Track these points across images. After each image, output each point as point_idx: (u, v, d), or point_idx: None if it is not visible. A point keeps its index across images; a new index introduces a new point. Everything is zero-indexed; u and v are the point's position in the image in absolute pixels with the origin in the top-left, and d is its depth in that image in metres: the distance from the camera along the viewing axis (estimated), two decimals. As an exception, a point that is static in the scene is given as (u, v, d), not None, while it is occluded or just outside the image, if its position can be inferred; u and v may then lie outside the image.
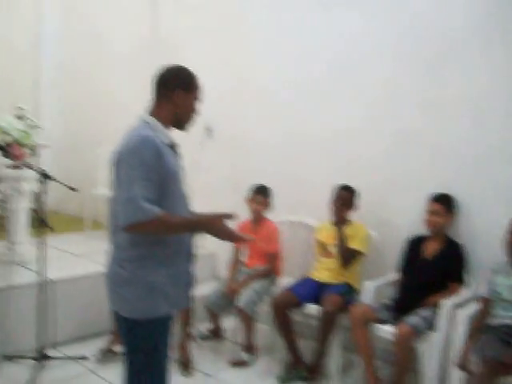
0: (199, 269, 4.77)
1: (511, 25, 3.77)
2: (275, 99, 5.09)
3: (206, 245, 5.29)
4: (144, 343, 2.46)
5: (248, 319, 4.29)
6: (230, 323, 4.78)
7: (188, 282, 2.60)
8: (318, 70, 4.77)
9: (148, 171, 2.30)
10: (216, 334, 4.79)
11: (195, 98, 2.60)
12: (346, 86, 4.60)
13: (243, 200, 4.64)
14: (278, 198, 4.66)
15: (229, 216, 2.41)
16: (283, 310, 4.06)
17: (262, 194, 4.54)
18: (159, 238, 2.40)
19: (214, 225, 2.40)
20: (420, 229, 4.02)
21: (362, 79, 4.50)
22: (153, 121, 2.48)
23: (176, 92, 2.51)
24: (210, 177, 5.36)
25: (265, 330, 4.59)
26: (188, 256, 2.57)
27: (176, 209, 2.42)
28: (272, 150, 5.12)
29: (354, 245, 4.18)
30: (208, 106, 5.30)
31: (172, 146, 2.51)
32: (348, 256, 4.17)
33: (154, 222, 2.28)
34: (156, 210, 2.28)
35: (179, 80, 2.54)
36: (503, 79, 3.81)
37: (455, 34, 4.00)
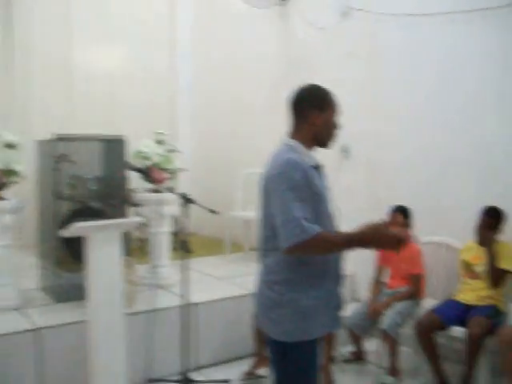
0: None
1: None
2: (412, 117, 5.07)
3: (345, 266, 5.33)
4: (295, 366, 2.51)
5: (392, 342, 4.27)
6: (372, 346, 4.76)
7: (337, 303, 2.64)
8: (458, 92, 4.71)
9: (300, 192, 2.35)
10: (358, 356, 4.78)
11: (332, 115, 2.60)
12: (492, 98, 4.50)
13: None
14: (420, 219, 4.61)
15: (382, 224, 2.41)
16: (428, 333, 4.04)
17: (401, 214, 4.51)
18: (308, 259, 2.45)
19: (375, 234, 2.39)
20: None
21: (507, 89, 4.39)
22: (295, 143, 2.52)
23: (311, 112, 2.54)
24: (347, 198, 5.39)
25: (408, 353, 4.53)
26: (336, 277, 2.60)
27: (325, 229, 2.43)
28: (412, 168, 5.08)
29: (502, 264, 4.07)
30: (344, 126, 5.44)
31: (317, 167, 2.55)
32: (497, 276, 4.07)
33: (316, 240, 2.31)
34: (316, 228, 2.33)
35: (313, 99, 2.55)
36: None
37: None
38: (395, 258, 4.52)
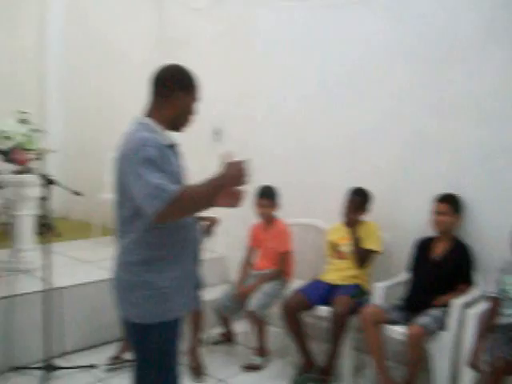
0: (209, 273, 4.83)
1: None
2: (286, 102, 5.08)
3: (216, 248, 5.32)
4: (154, 348, 2.46)
5: (259, 322, 4.30)
6: (241, 327, 4.78)
7: (196, 283, 2.62)
8: (330, 76, 4.76)
9: (156, 166, 2.27)
10: (227, 338, 4.79)
11: (194, 99, 2.54)
12: (358, 91, 4.59)
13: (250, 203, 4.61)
14: (288, 201, 4.65)
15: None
16: (294, 313, 4.08)
17: (266, 196, 4.50)
18: (165, 239, 2.40)
19: (230, 170, 2.35)
20: (430, 230, 4.03)
21: (375, 83, 4.49)
22: (150, 122, 2.44)
23: (176, 93, 2.47)
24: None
25: (277, 333, 4.59)
26: (194, 257, 2.57)
27: None
28: (283, 153, 5.11)
29: (367, 244, 4.20)
30: (217, 110, 5.42)
31: (172, 147, 2.48)
32: (363, 256, 4.19)
33: (181, 196, 2.22)
34: (177, 188, 2.25)
35: (179, 80, 2.49)
36: (509, 79, 3.82)
37: (461, 33, 4.02)
38: (264, 238, 4.55)
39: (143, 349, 2.48)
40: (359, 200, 4.25)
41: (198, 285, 2.64)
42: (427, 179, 4.21)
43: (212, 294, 4.54)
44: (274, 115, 5.16)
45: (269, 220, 4.56)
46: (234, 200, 2.48)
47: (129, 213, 2.40)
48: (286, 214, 4.66)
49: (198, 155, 5.47)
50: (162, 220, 2.27)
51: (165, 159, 2.34)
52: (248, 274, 4.61)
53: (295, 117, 5.00)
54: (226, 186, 2.38)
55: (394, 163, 4.41)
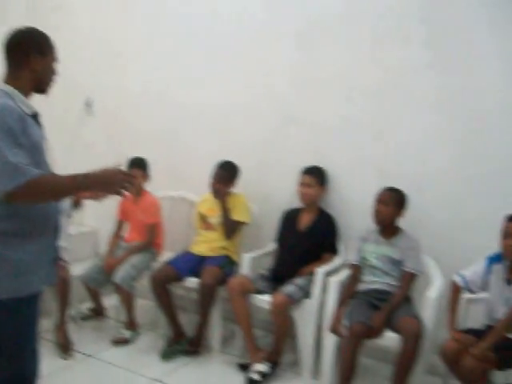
0: (79, 246, 4.75)
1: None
2: (158, 75, 4.96)
3: (86, 221, 5.18)
4: (10, 325, 2.35)
5: (127, 295, 4.23)
6: (112, 301, 4.69)
7: (54, 257, 2.52)
8: (201, 52, 4.69)
9: (16, 138, 2.16)
10: (97, 312, 4.70)
11: (53, 60, 2.46)
12: (229, 67, 4.55)
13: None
14: (158, 173, 4.60)
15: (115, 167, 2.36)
16: (163, 285, 4.05)
17: (137, 167, 4.42)
18: (23, 211, 2.28)
19: (104, 174, 2.31)
20: (297, 202, 4.12)
21: (245, 60, 4.48)
22: (10, 89, 2.32)
23: (32, 57, 2.36)
24: (90, 153, 5.20)
25: (147, 306, 4.56)
26: (54, 229, 2.48)
27: None
28: (153, 123, 5.02)
29: (236, 216, 4.22)
30: (87, 80, 5.25)
31: (34, 116, 2.38)
32: (231, 227, 4.21)
33: (39, 181, 2.15)
34: (38, 171, 2.16)
35: (33, 43, 2.38)
36: (368, 60, 3.96)
37: (323, 11, 4.10)
38: (133, 210, 4.48)
39: None
40: (226, 173, 4.25)
41: (56, 258, 2.54)
42: (294, 153, 4.29)
43: (82, 268, 4.44)
44: (146, 88, 5.04)
45: (138, 192, 4.48)
46: (96, 197, 2.43)
47: None
48: (157, 186, 4.62)
49: (68, 127, 5.34)
50: (10, 200, 2.18)
51: (26, 130, 2.23)
52: (117, 246, 4.53)
53: (167, 90, 4.91)
54: (95, 189, 2.39)
55: (263, 138, 4.45)
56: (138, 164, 4.44)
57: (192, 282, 4.10)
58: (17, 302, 2.33)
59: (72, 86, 4.99)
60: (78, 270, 4.38)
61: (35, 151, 2.27)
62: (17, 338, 2.38)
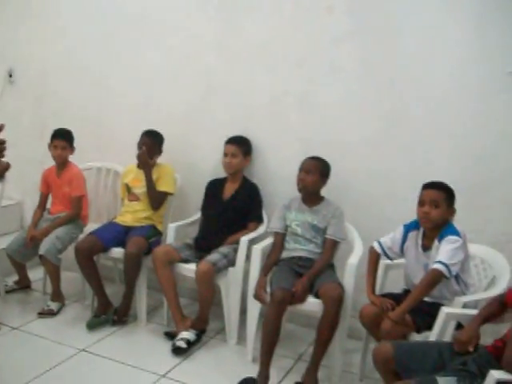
0: (4, 220, 4.64)
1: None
2: (82, 46, 4.86)
3: (10, 194, 5.07)
4: None
5: (52, 267, 4.18)
6: (39, 273, 4.65)
7: None
8: (124, 19, 4.62)
9: None
10: (23, 285, 4.64)
11: None
12: (151, 34, 4.51)
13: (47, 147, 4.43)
14: (83, 144, 4.53)
15: None
16: (88, 256, 4.01)
17: (61, 138, 4.34)
18: None
19: None
20: (222, 172, 4.14)
21: (165, 26, 4.45)
22: None
23: None
24: (13, 124, 5.03)
25: (74, 278, 4.52)
26: None
27: None
28: (78, 93, 4.93)
29: (161, 186, 4.22)
30: (8, 49, 5.10)
31: None
32: (157, 198, 4.20)
33: None
34: None
35: None
36: (290, 29, 3.98)
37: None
38: (56, 183, 4.41)
39: None
40: (151, 139, 4.23)
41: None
42: (219, 123, 4.31)
43: (7, 242, 4.37)
44: (69, 58, 4.93)
45: (62, 164, 4.41)
46: None
47: None
48: (81, 158, 4.55)
49: None
50: None
51: None
52: (41, 219, 4.45)
53: (91, 60, 4.82)
54: None
55: (187, 107, 4.44)
56: (62, 135, 4.36)
57: (117, 252, 4.08)
58: None
59: None
60: (3, 243, 4.32)
61: None
62: None
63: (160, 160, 4.31)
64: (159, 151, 4.29)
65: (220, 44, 4.23)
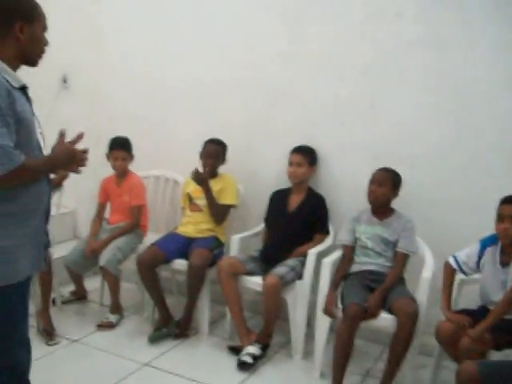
0: (59, 228, 4.62)
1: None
2: (139, 50, 4.80)
3: (66, 203, 5.04)
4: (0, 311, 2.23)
5: (112, 278, 4.13)
6: (94, 284, 4.61)
7: (44, 242, 2.40)
8: (183, 23, 4.55)
9: (2, 115, 2.02)
10: (80, 296, 4.59)
11: (40, 28, 2.28)
12: (212, 36, 4.43)
13: (104, 153, 4.37)
14: (141, 152, 4.44)
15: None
16: (150, 268, 3.95)
17: (121, 148, 4.28)
18: (14, 193, 2.16)
19: (60, 154, 2.27)
20: (286, 182, 4.05)
21: (228, 29, 4.36)
22: None
23: (17, 25, 2.18)
24: (67, 131, 5.02)
25: (133, 289, 4.47)
26: (44, 213, 2.36)
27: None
28: (135, 100, 4.86)
29: (225, 199, 4.14)
30: (64, 55, 5.04)
31: (23, 89, 2.23)
32: (220, 213, 4.13)
33: (22, 169, 2.05)
34: (22, 156, 2.06)
35: (18, 10, 2.20)
36: (359, 35, 3.88)
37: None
38: (116, 192, 4.37)
39: None
40: (215, 149, 4.16)
41: (46, 243, 2.43)
42: (283, 131, 4.21)
43: (62, 250, 4.34)
44: (125, 63, 4.88)
45: (122, 173, 4.36)
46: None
47: None
48: (138, 166, 4.47)
49: (43, 103, 5.12)
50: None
51: (14, 105, 2.09)
52: (100, 229, 4.40)
53: (149, 66, 4.76)
54: (59, 168, 2.38)
55: (250, 116, 4.35)
56: (121, 144, 4.30)
57: (180, 264, 4.02)
58: (5, 289, 2.20)
59: (47, 60, 4.80)
60: (57, 252, 4.26)
61: (24, 129, 2.15)
62: (5, 328, 2.26)
63: (222, 169, 4.24)
64: (223, 160, 4.21)
65: (285, 51, 4.14)
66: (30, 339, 2.42)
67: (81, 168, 2.34)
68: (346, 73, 3.94)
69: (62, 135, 2.32)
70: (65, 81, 5.22)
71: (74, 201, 5.23)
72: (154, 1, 4.67)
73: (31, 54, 2.27)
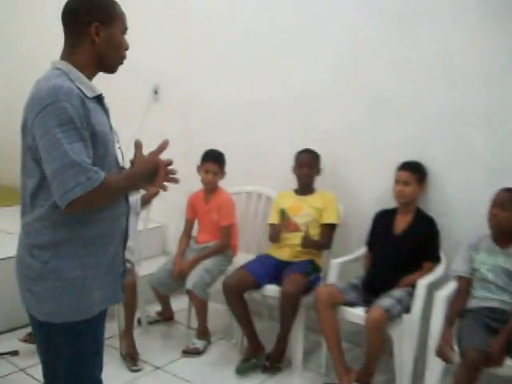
0: (146, 244, 4.39)
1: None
2: (232, 59, 4.54)
3: (153, 217, 4.82)
4: (68, 351, 1.98)
5: (199, 302, 3.84)
6: (182, 304, 4.33)
7: (121, 271, 2.13)
8: (280, 30, 4.23)
9: (77, 128, 1.77)
10: (165, 316, 4.36)
11: (119, 29, 2.00)
12: (309, 43, 4.08)
13: (195, 168, 4.11)
14: (232, 167, 4.14)
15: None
16: (238, 293, 3.63)
17: (214, 161, 3.99)
18: (83, 217, 1.89)
19: (144, 167, 1.96)
20: (390, 202, 3.63)
21: (326, 34, 4.00)
22: (68, 67, 1.90)
23: (93, 27, 1.92)
24: (156, 145, 4.80)
25: (221, 311, 4.14)
26: (122, 238, 2.09)
27: None
28: (226, 113, 4.59)
29: (329, 218, 3.79)
30: (155, 66, 4.88)
31: (98, 99, 1.97)
32: (327, 235, 3.81)
33: (103, 188, 1.79)
34: (102, 172, 1.80)
35: (94, 10, 1.93)
36: (478, 38, 3.41)
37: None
38: (204, 209, 4.09)
39: (53, 352, 2.01)
40: (310, 158, 3.84)
41: (123, 273, 2.15)
42: (388, 145, 3.79)
43: (149, 267, 4.15)
44: (217, 73, 4.62)
45: (211, 189, 4.07)
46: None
47: (35, 182, 1.88)
48: (228, 181, 4.16)
49: (135, 117, 5.01)
50: (73, 210, 1.81)
51: (88, 117, 1.84)
52: (187, 247, 4.14)
53: (240, 76, 4.48)
54: (141, 184, 2.03)
55: (350, 127, 3.95)
56: (215, 158, 4.02)
57: (272, 290, 3.67)
58: (75, 326, 1.95)
59: (138, 69, 4.61)
60: (145, 269, 4.08)
61: (99, 143, 1.88)
62: (77, 366, 2.01)
63: (319, 186, 3.89)
64: (318, 170, 3.89)
65: (390, 57, 3.72)
66: (102, 381, 2.15)
67: (167, 183, 2.01)
68: (462, 78, 3.46)
69: (138, 146, 2.02)
70: (156, 92, 5.04)
71: (163, 215, 4.99)
72: (247, 13, 4.42)
73: (109, 59, 2.00)
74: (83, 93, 1.86)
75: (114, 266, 2.05)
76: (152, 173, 1.95)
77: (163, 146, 2.02)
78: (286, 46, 4.20)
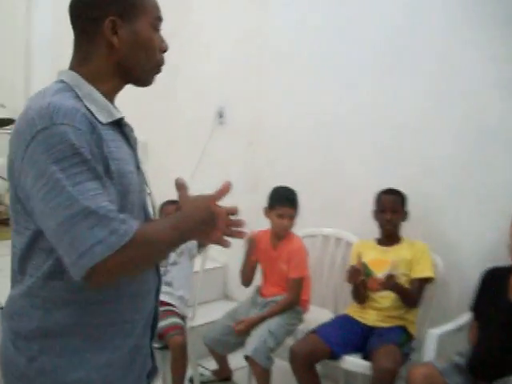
0: (206, 286, 3.85)
1: None
2: (304, 80, 4.02)
3: (215, 256, 4.33)
4: None
5: (261, 370, 3.20)
6: (242, 361, 3.58)
7: (146, 369, 1.52)
8: (363, 51, 3.71)
9: (85, 161, 1.21)
10: (222, 376, 3.77)
11: (148, 25, 1.41)
12: (399, 67, 3.52)
13: (262, 201, 3.54)
14: (306, 204, 3.54)
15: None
16: (307, 363, 3.01)
17: (290, 204, 3.40)
18: (88, 295, 1.31)
19: (196, 210, 1.34)
20: (503, 257, 2.90)
21: (419, 58, 3.44)
22: (75, 79, 1.34)
23: (107, 22, 1.35)
24: (221, 172, 4.25)
25: (287, 369, 3.30)
26: (150, 323, 1.49)
27: None
28: (296, 138, 4.08)
29: (422, 272, 3.15)
30: (220, 86, 4.40)
31: (120, 125, 1.40)
32: (416, 292, 3.15)
33: (136, 243, 1.20)
34: (132, 222, 1.24)
35: (110, 2, 1.35)
36: None
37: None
38: (271, 255, 3.50)
39: None
40: (394, 200, 3.25)
41: (152, 371, 1.55)
42: (500, 187, 3.13)
43: (207, 313, 3.75)
44: (288, 96, 4.12)
45: (283, 234, 3.47)
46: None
47: (25, 241, 1.31)
48: (302, 220, 3.57)
49: (198, 142, 4.58)
50: (97, 282, 1.23)
51: (102, 148, 1.26)
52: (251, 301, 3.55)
53: (316, 99, 3.94)
54: (190, 236, 1.38)
55: (451, 163, 3.32)
56: (291, 201, 3.42)
57: (354, 363, 3.01)
58: None
59: (202, 91, 4.35)
60: (202, 315, 3.60)
61: (122, 183, 1.31)
62: None
63: (410, 234, 3.25)
64: (404, 215, 3.28)
65: (501, 73, 3.08)
66: None
67: (227, 238, 1.37)
68: None
69: (181, 187, 1.40)
70: (221, 115, 4.56)
71: (224, 254, 4.41)
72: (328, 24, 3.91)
73: (136, 68, 1.41)
74: (94, 116, 1.28)
75: (134, 364, 1.44)
76: (206, 222, 1.34)
77: (224, 190, 1.37)
78: (372, 68, 3.68)
